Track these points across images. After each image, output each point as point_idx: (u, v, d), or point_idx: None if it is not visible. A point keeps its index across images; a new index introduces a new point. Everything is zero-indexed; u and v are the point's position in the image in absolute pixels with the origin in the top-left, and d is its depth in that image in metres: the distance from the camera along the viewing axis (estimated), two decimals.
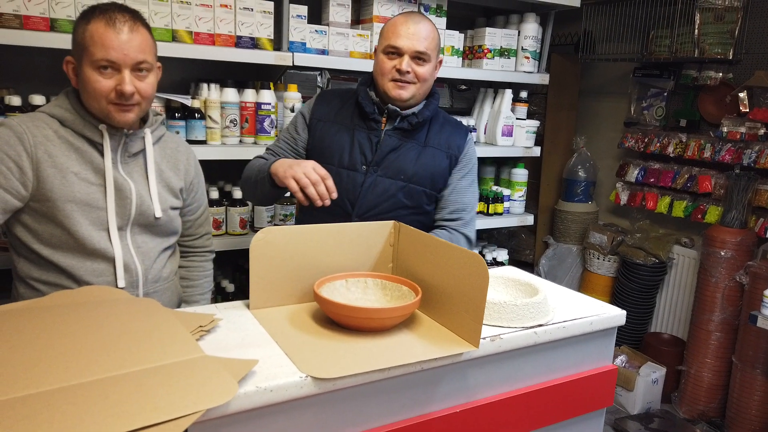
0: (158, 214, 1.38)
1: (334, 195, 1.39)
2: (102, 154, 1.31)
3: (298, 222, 1.84)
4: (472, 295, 1.12)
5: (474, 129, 2.63)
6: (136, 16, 1.28)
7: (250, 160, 1.68)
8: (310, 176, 1.35)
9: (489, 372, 1.19)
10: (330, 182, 1.38)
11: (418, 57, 1.56)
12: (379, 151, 1.60)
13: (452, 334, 1.18)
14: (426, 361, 1.07)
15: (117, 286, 1.33)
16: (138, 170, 1.38)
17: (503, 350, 1.18)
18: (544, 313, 1.26)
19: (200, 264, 1.59)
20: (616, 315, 1.35)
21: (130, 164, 1.37)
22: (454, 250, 1.18)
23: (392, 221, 1.41)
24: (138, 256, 1.37)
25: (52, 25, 1.77)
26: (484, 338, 1.14)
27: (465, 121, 2.61)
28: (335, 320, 1.18)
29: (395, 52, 1.56)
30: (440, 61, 1.67)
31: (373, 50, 1.68)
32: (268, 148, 1.69)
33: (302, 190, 1.37)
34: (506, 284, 1.41)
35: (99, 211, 1.31)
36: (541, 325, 1.23)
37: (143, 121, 1.42)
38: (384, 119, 1.63)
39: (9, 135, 1.25)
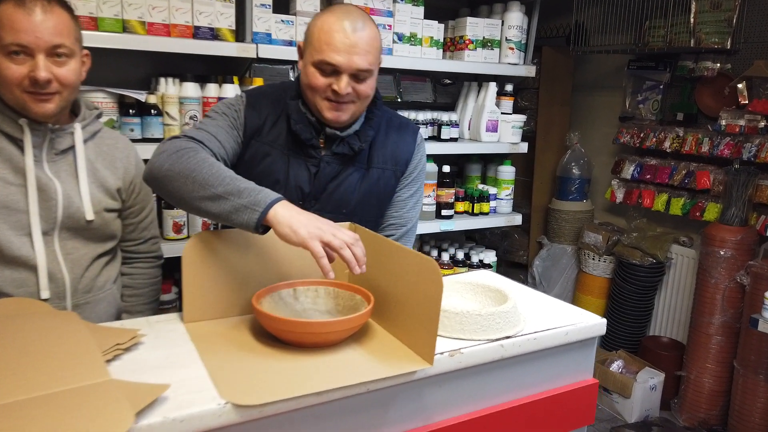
0: (89, 216, 1.26)
1: (364, 267, 1.08)
2: (23, 150, 1.19)
3: None
4: (426, 305, 1.00)
5: (456, 124, 2.50)
6: None
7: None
8: (343, 239, 1.07)
9: (449, 391, 1.06)
10: (361, 247, 1.10)
11: (359, 75, 1.29)
12: (316, 183, 1.36)
13: (406, 348, 1.05)
14: (371, 381, 0.94)
15: (40, 298, 1.20)
16: (67, 169, 1.25)
17: (464, 366, 1.05)
18: (513, 323, 1.13)
19: (145, 271, 1.46)
20: (595, 324, 1.22)
21: (58, 162, 1.24)
22: (408, 254, 1.06)
23: (348, 222, 1.28)
24: (66, 264, 1.24)
25: None
26: (441, 353, 1.02)
27: (447, 116, 2.48)
28: (275, 335, 1.05)
29: (331, 70, 1.27)
30: (379, 63, 1.37)
31: (297, 51, 1.37)
32: (202, 129, 1.28)
33: (333, 252, 1.07)
34: (475, 291, 1.28)
35: (19, 214, 1.18)
36: (508, 337, 1.10)
37: (75, 115, 1.29)
38: (322, 142, 1.38)
39: None
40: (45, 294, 1.21)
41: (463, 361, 1.05)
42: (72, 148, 1.26)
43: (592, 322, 1.21)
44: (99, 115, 1.35)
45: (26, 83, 1.14)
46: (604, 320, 1.23)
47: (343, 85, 1.27)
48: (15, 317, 1.06)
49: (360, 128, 1.39)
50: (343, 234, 1.08)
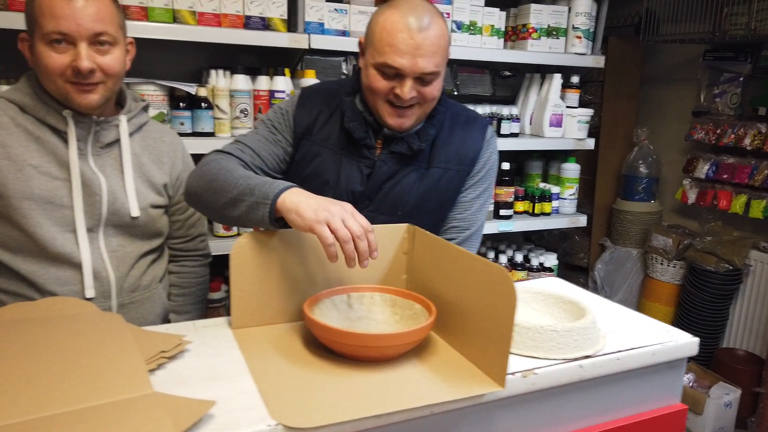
0: (135, 213, 1.20)
1: (375, 254, 1.00)
2: (68, 143, 1.14)
3: None
4: (496, 321, 0.88)
5: (517, 119, 2.35)
6: None
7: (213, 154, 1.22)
8: (352, 228, 0.97)
9: (521, 415, 0.95)
10: (373, 236, 1.00)
11: (424, 78, 1.18)
12: (370, 183, 1.26)
13: (473, 366, 0.95)
14: (435, 404, 0.84)
15: (85, 297, 1.16)
16: (112, 163, 1.20)
17: (539, 388, 0.94)
18: (592, 341, 1.01)
19: (193, 269, 1.41)
20: (687, 343, 1.07)
21: (104, 156, 1.19)
22: (476, 262, 0.94)
23: (405, 224, 1.18)
24: (111, 262, 1.19)
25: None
26: (513, 374, 0.91)
27: (507, 110, 2.34)
28: (327, 346, 0.96)
29: (393, 74, 1.17)
30: (446, 62, 1.25)
31: (358, 47, 1.27)
32: (238, 142, 1.25)
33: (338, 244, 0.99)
34: (546, 302, 1.16)
35: (64, 210, 1.14)
36: (588, 357, 0.98)
37: (121, 107, 1.24)
38: (379, 142, 1.28)
39: None
40: (90, 293, 1.16)
41: (538, 382, 0.93)
42: (117, 141, 1.21)
43: (682, 341, 1.07)
44: (146, 107, 1.29)
45: (69, 73, 1.09)
46: (697, 339, 1.09)
47: (407, 90, 1.16)
48: (57, 318, 1.01)
49: (421, 127, 1.28)
50: (353, 222, 0.98)
